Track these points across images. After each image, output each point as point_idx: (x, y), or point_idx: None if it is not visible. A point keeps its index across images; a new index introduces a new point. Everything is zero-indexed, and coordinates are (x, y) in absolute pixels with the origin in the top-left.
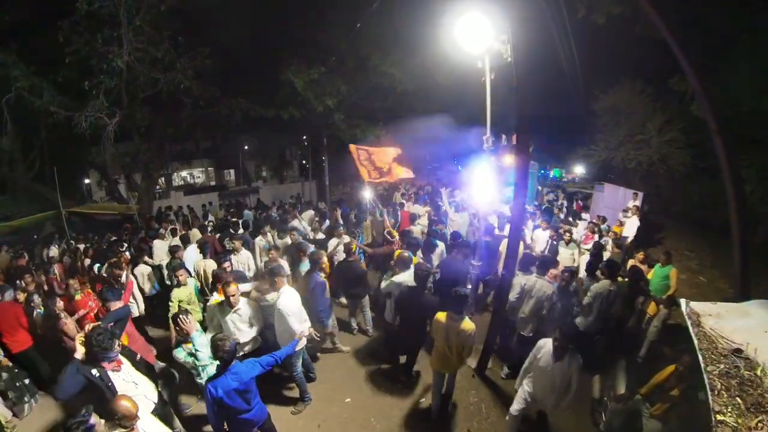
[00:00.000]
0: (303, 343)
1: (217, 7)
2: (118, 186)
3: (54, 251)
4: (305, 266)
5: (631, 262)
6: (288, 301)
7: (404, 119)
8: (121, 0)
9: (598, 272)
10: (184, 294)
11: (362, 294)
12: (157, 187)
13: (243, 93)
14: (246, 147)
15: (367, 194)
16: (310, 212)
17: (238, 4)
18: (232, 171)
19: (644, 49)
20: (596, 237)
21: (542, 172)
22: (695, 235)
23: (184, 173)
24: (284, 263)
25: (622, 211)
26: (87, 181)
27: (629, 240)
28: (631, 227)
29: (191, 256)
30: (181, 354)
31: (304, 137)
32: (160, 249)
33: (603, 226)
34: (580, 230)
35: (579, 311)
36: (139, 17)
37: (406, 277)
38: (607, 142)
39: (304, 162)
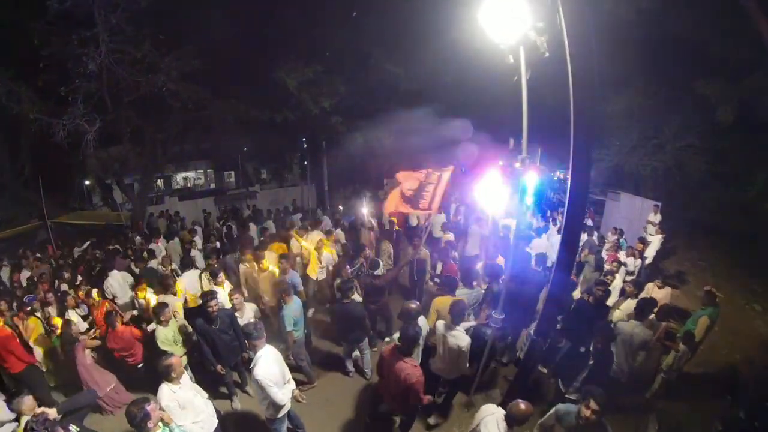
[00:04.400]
0: (287, 408)
1: (203, 3)
2: (111, 191)
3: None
4: (288, 312)
5: (652, 292)
6: (267, 369)
7: (408, 121)
8: None
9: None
10: (169, 334)
11: (360, 338)
12: (153, 191)
13: (234, 94)
14: (246, 149)
15: (365, 209)
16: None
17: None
18: (232, 173)
19: (661, 49)
20: (621, 255)
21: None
22: (708, 245)
23: (183, 175)
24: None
25: (648, 225)
26: (87, 182)
27: (648, 261)
28: (654, 247)
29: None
30: None
31: (303, 139)
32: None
33: (621, 240)
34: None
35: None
36: (115, 15)
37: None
38: (619, 147)
39: (305, 163)
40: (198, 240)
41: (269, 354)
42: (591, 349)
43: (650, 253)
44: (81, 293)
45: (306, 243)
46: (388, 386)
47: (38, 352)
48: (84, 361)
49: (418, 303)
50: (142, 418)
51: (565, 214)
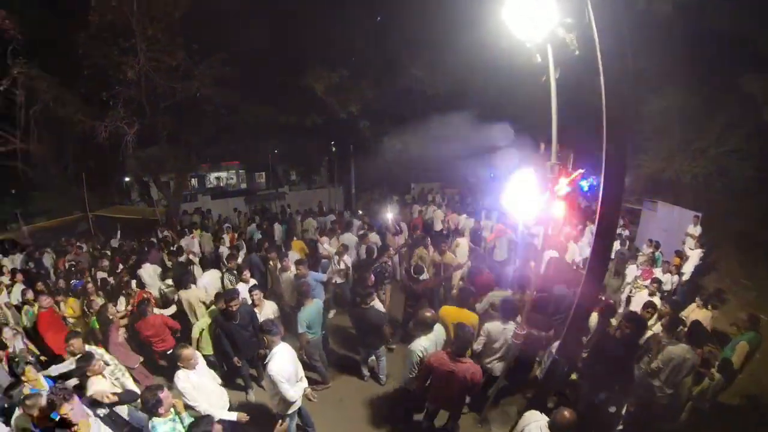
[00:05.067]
0: (297, 405)
1: (234, 13)
2: (149, 188)
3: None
4: (303, 315)
5: (692, 312)
6: (280, 365)
7: (435, 125)
8: (133, 10)
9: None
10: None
11: (377, 345)
12: (187, 189)
13: (264, 99)
14: (276, 151)
15: (390, 214)
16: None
17: (255, 9)
18: (263, 174)
19: (702, 44)
20: (657, 272)
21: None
22: (753, 260)
23: (215, 175)
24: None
25: (686, 237)
26: (126, 179)
27: (685, 278)
28: (693, 262)
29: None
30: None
31: (332, 143)
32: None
33: (656, 254)
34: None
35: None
36: (152, 27)
37: None
38: (656, 151)
39: (334, 166)
40: (226, 237)
41: (284, 351)
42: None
43: (688, 268)
44: (124, 277)
45: (328, 246)
46: (442, 390)
47: None
48: (116, 340)
49: (433, 311)
50: (154, 403)
51: (596, 223)
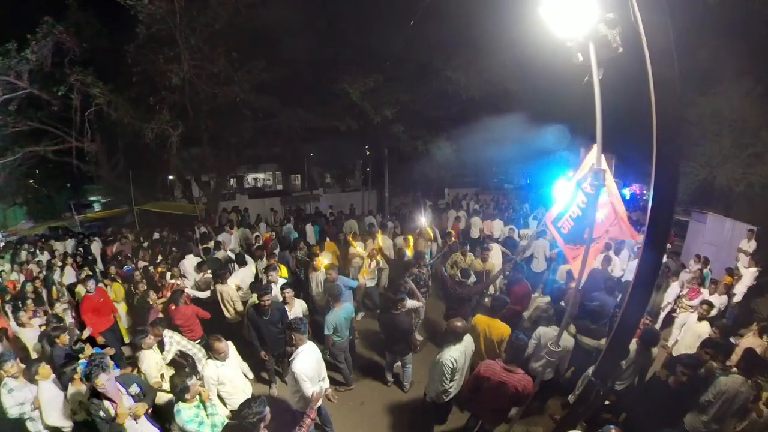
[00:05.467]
0: (316, 404)
1: (271, 21)
2: (190, 186)
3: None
4: (331, 317)
5: (747, 341)
6: (304, 364)
7: (470, 129)
8: (176, 22)
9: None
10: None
11: (405, 352)
12: (226, 188)
13: (301, 104)
14: (312, 154)
15: (424, 219)
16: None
17: (291, 17)
18: (298, 176)
19: (755, 37)
20: (705, 293)
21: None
22: None
23: (253, 176)
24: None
25: (739, 253)
26: (170, 177)
27: (737, 299)
28: (745, 282)
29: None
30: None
31: (366, 147)
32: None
33: (705, 271)
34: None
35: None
36: (194, 37)
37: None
38: (706, 158)
39: (367, 170)
40: (261, 235)
41: (310, 350)
42: None
43: (740, 289)
44: (159, 270)
45: (360, 249)
46: (490, 401)
47: (121, 312)
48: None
49: (464, 321)
50: (182, 388)
51: (645, 234)
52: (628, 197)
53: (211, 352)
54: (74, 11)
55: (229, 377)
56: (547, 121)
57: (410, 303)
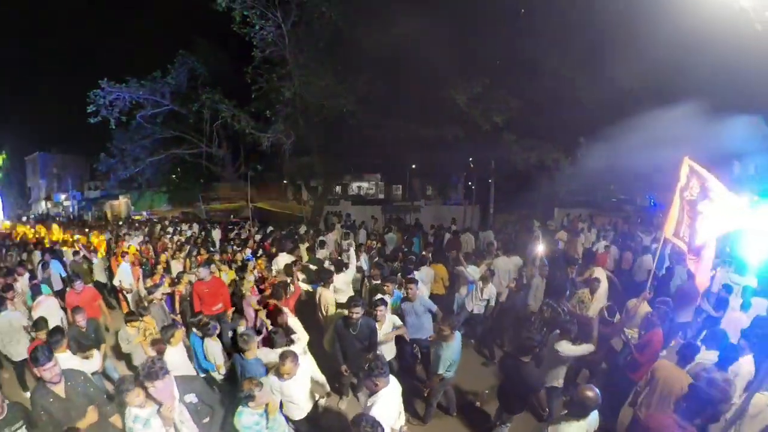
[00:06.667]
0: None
1: (372, 35)
2: (300, 190)
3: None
4: (448, 353)
5: None
6: (383, 412)
7: (593, 141)
8: (285, 44)
9: None
10: None
11: (517, 410)
12: (332, 194)
13: (405, 115)
14: (414, 166)
15: (541, 247)
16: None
17: (390, 28)
18: (400, 186)
19: None
20: None
21: None
22: None
23: (357, 184)
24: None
25: None
26: (284, 181)
27: None
28: None
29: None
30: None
31: (470, 159)
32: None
33: None
34: None
35: None
36: (302, 55)
37: None
38: None
39: (470, 183)
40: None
41: (391, 393)
42: None
43: None
44: (260, 262)
45: (471, 270)
46: None
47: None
48: (249, 313)
49: (597, 391)
50: (248, 395)
51: None
52: None
53: (279, 369)
54: (202, 45)
55: (288, 394)
56: (691, 127)
57: (569, 348)
